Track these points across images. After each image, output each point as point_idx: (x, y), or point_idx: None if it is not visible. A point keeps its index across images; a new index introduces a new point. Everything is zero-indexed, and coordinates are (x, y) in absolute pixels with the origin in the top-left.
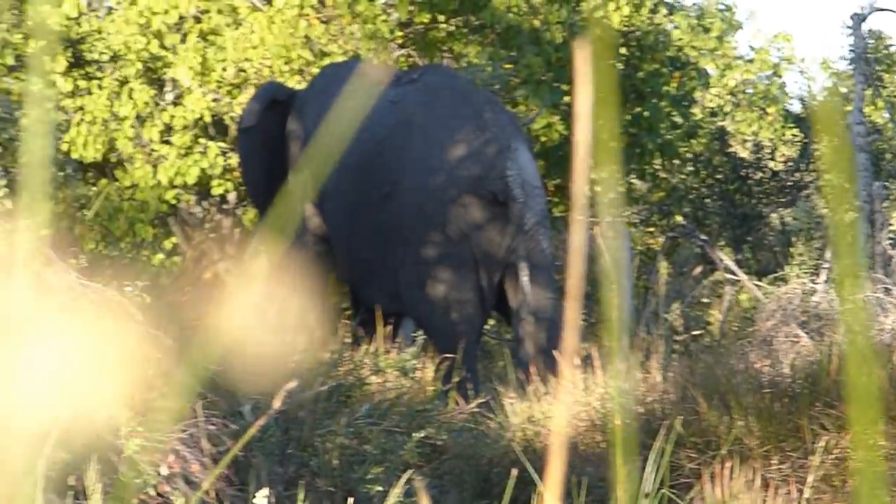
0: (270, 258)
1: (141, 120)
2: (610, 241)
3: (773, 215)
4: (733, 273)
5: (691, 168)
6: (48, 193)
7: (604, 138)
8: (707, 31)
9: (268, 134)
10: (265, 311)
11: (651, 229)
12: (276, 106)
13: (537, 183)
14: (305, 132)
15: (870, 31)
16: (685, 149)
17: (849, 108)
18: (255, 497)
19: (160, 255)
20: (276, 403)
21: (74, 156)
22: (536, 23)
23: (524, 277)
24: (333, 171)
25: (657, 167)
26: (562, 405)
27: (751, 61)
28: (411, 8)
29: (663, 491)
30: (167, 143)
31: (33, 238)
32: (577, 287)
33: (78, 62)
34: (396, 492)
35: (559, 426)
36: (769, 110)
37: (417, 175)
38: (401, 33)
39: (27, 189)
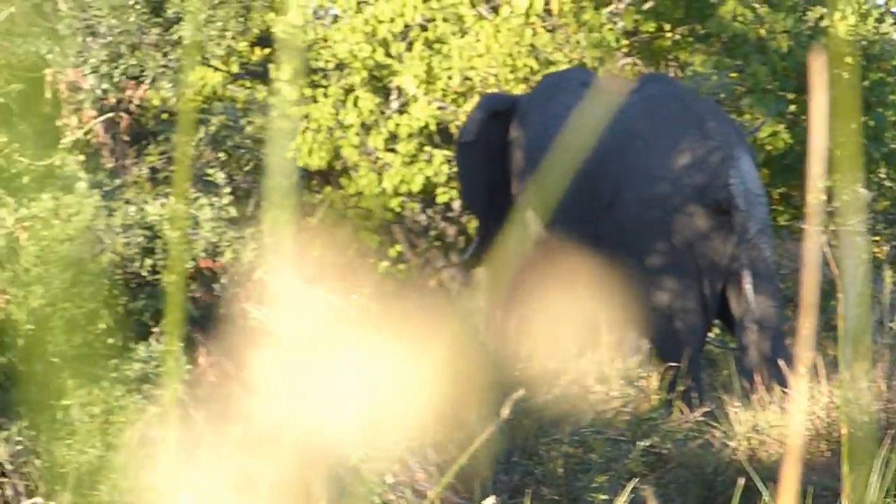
0: (494, 268)
1: (366, 128)
2: (838, 250)
3: None
4: None
5: None
6: (288, 201)
7: (832, 147)
8: None
9: (490, 144)
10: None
11: (876, 238)
12: (497, 116)
13: (760, 191)
14: (527, 141)
15: None
16: None
17: None
18: None
19: (385, 263)
20: (503, 412)
21: (299, 163)
22: (762, 32)
23: (747, 286)
24: (558, 182)
25: (882, 176)
26: (796, 415)
27: None
28: (637, 17)
29: (889, 500)
30: (392, 151)
31: (263, 245)
32: (811, 296)
33: (303, 70)
34: (622, 500)
35: (794, 437)
36: None
37: (641, 184)
38: (626, 42)
39: (268, 196)
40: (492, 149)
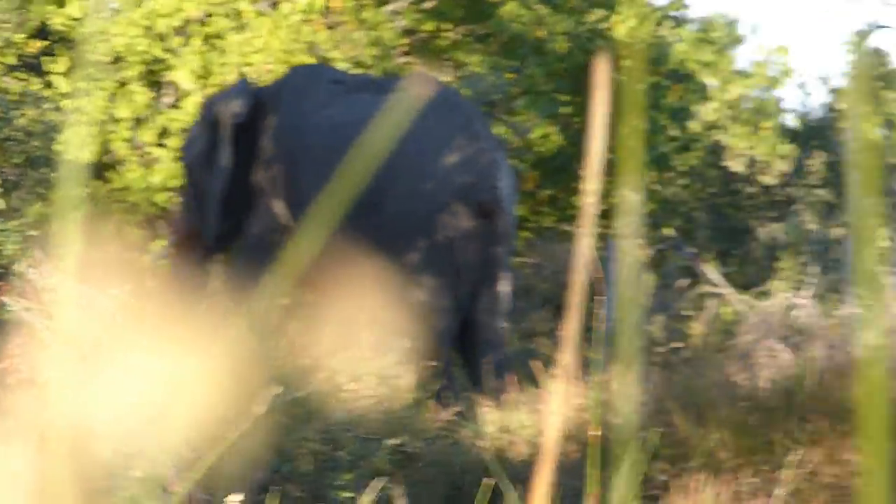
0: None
1: (138, 122)
2: (602, 253)
3: (762, 230)
4: (716, 285)
5: (683, 181)
6: (64, 194)
7: (608, 150)
8: (712, 43)
9: (243, 128)
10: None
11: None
12: (252, 101)
13: (515, 198)
14: (276, 133)
15: (871, 48)
16: (680, 162)
17: (846, 124)
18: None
19: (148, 258)
20: (257, 409)
21: (68, 157)
22: (541, 33)
23: (501, 288)
24: (317, 179)
25: (651, 180)
26: (550, 417)
27: (750, 76)
28: (417, 16)
29: (635, 503)
30: (162, 146)
31: (19, 238)
32: (577, 299)
33: (80, 63)
34: (368, 498)
35: (548, 438)
36: (763, 125)
37: (407, 180)
38: (405, 40)
39: (40, 190)
40: (244, 132)
